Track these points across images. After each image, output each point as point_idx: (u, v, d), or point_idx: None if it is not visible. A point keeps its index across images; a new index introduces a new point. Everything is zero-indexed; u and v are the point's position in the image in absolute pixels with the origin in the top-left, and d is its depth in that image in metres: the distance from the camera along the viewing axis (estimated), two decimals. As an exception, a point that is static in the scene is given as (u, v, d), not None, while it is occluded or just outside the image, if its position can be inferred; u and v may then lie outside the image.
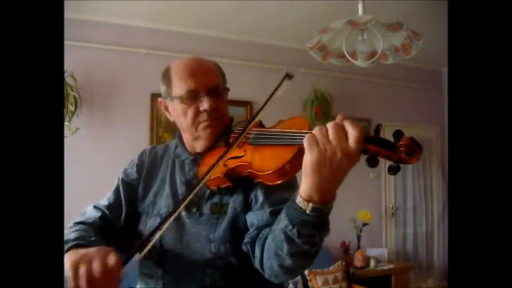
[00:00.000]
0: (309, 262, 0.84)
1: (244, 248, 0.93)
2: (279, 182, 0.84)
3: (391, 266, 3.80)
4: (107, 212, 1.06)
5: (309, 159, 0.71)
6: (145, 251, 0.82)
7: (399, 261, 4.18)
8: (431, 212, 4.59)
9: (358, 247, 3.81)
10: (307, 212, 0.74)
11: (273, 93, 0.96)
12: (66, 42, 2.54)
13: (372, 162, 0.71)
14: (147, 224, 1.04)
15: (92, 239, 0.90)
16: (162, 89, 1.08)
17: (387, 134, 0.72)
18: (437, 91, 4.64)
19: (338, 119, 0.73)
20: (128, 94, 3.27)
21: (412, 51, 2.31)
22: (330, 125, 0.71)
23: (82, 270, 0.72)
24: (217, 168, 0.93)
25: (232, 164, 0.93)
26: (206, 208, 1.00)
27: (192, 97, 1.01)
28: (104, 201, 1.09)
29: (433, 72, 4.64)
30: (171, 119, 1.10)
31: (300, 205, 0.74)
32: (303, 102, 3.80)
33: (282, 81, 0.97)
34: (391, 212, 4.35)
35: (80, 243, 0.85)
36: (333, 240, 3.74)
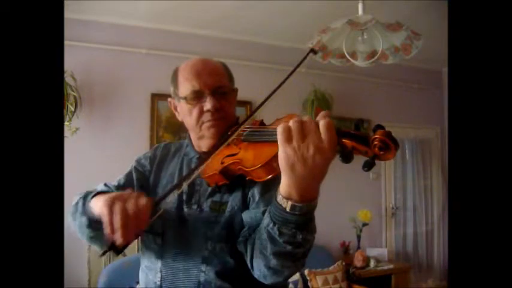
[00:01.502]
0: (296, 264, 0.82)
1: (238, 247, 0.93)
2: (267, 178, 0.83)
3: (391, 266, 3.79)
4: (115, 190, 1.06)
5: (281, 154, 0.69)
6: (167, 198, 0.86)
7: (399, 261, 4.17)
8: (431, 212, 4.58)
9: (358, 247, 3.81)
10: (287, 210, 0.72)
11: (295, 68, 0.98)
12: (66, 42, 2.55)
13: (346, 158, 0.69)
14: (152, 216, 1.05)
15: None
16: (171, 89, 1.10)
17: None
18: (437, 91, 4.64)
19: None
20: (128, 94, 3.27)
21: (412, 51, 2.31)
22: (304, 119, 0.70)
23: (117, 207, 0.74)
24: (214, 165, 0.94)
25: (228, 161, 0.93)
26: (206, 205, 1.01)
27: (196, 97, 1.02)
28: (114, 182, 1.10)
29: (433, 72, 4.63)
30: (179, 118, 1.11)
31: (280, 203, 0.73)
32: (303, 102, 3.79)
33: (307, 55, 1.00)
34: (391, 212, 4.34)
35: (105, 190, 0.95)
36: (333, 240, 3.74)
